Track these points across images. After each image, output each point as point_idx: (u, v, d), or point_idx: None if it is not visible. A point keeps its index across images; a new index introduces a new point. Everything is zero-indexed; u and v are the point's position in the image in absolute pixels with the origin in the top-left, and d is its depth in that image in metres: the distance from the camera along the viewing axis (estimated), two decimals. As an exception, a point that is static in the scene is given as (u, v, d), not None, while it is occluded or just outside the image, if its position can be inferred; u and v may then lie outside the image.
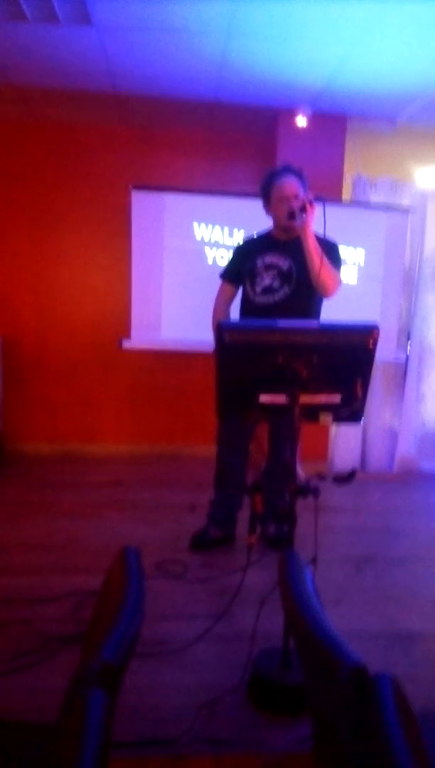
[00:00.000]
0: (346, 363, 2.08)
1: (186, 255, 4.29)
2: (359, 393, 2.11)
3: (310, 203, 2.70)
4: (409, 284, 4.67)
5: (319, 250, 2.78)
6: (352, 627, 2.48)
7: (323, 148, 4.31)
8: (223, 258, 4.14)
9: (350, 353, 2.08)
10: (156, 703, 2.01)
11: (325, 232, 2.75)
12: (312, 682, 1.13)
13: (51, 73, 3.67)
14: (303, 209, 2.71)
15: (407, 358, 4.70)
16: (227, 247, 4.18)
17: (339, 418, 2.18)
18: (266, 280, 2.97)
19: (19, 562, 3.02)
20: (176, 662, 2.23)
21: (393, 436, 4.87)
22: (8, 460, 4.68)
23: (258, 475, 3.25)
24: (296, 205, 2.79)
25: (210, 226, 4.26)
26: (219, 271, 3.21)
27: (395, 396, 4.87)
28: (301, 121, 4.17)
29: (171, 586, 2.81)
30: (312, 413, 2.14)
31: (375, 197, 4.50)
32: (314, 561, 1.97)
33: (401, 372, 4.81)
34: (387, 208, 4.43)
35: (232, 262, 3.16)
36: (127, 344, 4.36)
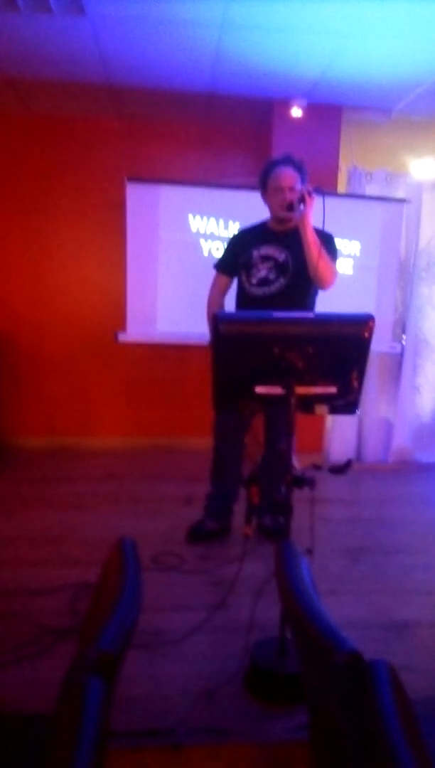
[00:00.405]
0: (342, 354, 2.08)
1: (181, 247, 4.28)
2: (355, 384, 2.11)
3: (309, 194, 2.69)
4: (405, 276, 4.67)
5: (318, 242, 2.77)
6: (347, 616, 2.50)
7: (319, 139, 4.29)
8: (218, 250, 4.13)
9: (346, 344, 2.08)
10: (153, 694, 2.02)
11: (323, 225, 2.75)
12: (308, 670, 1.14)
13: (44, 64, 3.64)
14: (302, 200, 2.71)
15: (402, 349, 4.70)
16: (222, 239, 4.17)
17: (335, 409, 2.18)
18: (262, 271, 2.97)
19: (16, 555, 3.02)
20: (173, 653, 2.24)
21: (388, 428, 4.88)
22: (4, 453, 4.67)
23: (254, 467, 3.26)
24: (291, 196, 2.79)
25: (205, 217, 4.25)
26: (214, 262, 3.20)
27: (391, 387, 4.88)
28: (297, 112, 4.15)
29: (168, 579, 2.81)
30: (308, 404, 2.14)
31: (370, 189, 4.49)
32: (310, 552, 1.98)
33: (397, 363, 4.81)
34: (382, 199, 4.43)
35: (227, 253, 3.16)
36: (122, 337, 4.35)
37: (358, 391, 2.14)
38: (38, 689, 1.97)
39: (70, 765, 0.71)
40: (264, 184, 2.94)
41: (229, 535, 3.26)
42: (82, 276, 4.79)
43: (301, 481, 2.03)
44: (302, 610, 1.07)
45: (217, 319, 2.07)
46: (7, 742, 1.23)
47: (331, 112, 4.29)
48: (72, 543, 3.16)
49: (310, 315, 2.57)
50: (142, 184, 4.21)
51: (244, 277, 3.04)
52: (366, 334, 2.05)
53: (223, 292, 3.17)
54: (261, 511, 3.08)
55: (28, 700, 1.95)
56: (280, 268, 2.94)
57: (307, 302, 3.02)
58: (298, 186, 2.84)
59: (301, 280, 2.92)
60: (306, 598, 1.10)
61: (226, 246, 3.22)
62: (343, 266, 4.28)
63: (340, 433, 4.75)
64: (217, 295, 3.16)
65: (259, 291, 2.98)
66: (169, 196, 4.23)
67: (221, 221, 4.25)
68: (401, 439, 4.84)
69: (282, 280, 2.95)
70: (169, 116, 4.55)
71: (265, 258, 2.97)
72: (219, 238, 4.24)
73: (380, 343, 4.35)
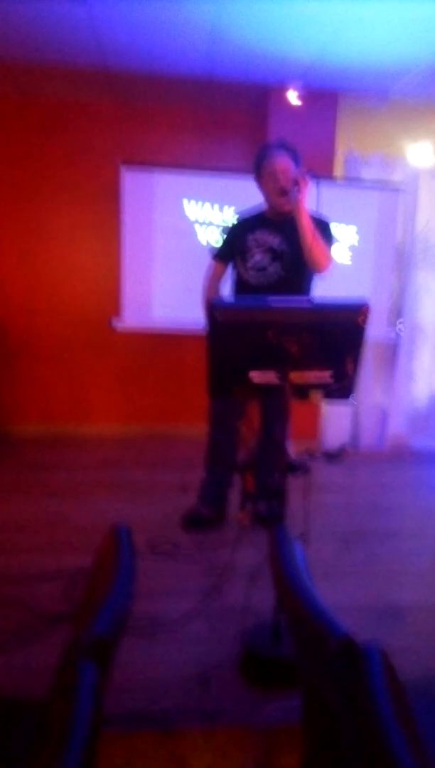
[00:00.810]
0: (337, 340, 2.08)
1: (176, 233, 4.25)
2: (350, 370, 2.11)
3: (304, 178, 2.68)
4: (401, 262, 4.66)
5: (312, 225, 2.76)
6: (341, 601, 2.51)
7: (315, 124, 4.26)
8: (213, 235, 4.10)
9: (341, 331, 2.07)
10: (148, 678, 2.02)
11: (317, 207, 2.73)
12: (302, 654, 1.14)
13: (40, 49, 3.59)
14: (296, 185, 2.69)
15: (398, 336, 4.70)
16: (218, 225, 4.15)
17: (329, 396, 2.18)
18: (256, 256, 2.95)
19: (11, 542, 3.02)
20: (168, 638, 2.25)
21: (384, 415, 4.89)
22: (-1, 440, 4.67)
23: (249, 454, 3.26)
24: (284, 180, 2.78)
25: (200, 203, 4.22)
26: (209, 248, 3.19)
27: (386, 374, 4.89)
28: (293, 97, 4.12)
29: (162, 565, 2.82)
30: (302, 391, 2.14)
31: (367, 174, 4.47)
32: (304, 537, 1.98)
33: (392, 350, 4.81)
34: (379, 185, 4.40)
35: (223, 242, 3.15)
36: (118, 324, 4.33)
37: (353, 377, 2.14)
38: (32, 675, 1.98)
39: (64, 749, 0.71)
40: (258, 170, 2.92)
41: (224, 522, 3.26)
42: (77, 262, 4.76)
43: (296, 468, 2.03)
44: (296, 595, 1.07)
45: (212, 306, 2.06)
46: (0, 727, 1.24)
47: (327, 97, 4.25)
48: (67, 529, 3.16)
49: (305, 302, 2.56)
50: (137, 169, 4.18)
51: (239, 263, 3.03)
52: (361, 321, 2.04)
53: (219, 278, 3.16)
54: (256, 497, 3.09)
55: (22, 685, 1.95)
56: (274, 253, 2.93)
57: (303, 288, 3.00)
58: (292, 170, 2.83)
59: (296, 267, 2.90)
60: (300, 583, 1.11)
61: (223, 236, 3.21)
62: (339, 253, 4.27)
63: (335, 420, 4.76)
64: (212, 281, 3.15)
65: (254, 277, 2.97)
66: (165, 181, 4.20)
67: (217, 206, 4.23)
68: (396, 426, 4.86)
69: (277, 266, 2.93)
70: (164, 102, 4.51)
71: (260, 243, 2.95)
72: (214, 224, 4.21)
73: (376, 330, 4.33)
